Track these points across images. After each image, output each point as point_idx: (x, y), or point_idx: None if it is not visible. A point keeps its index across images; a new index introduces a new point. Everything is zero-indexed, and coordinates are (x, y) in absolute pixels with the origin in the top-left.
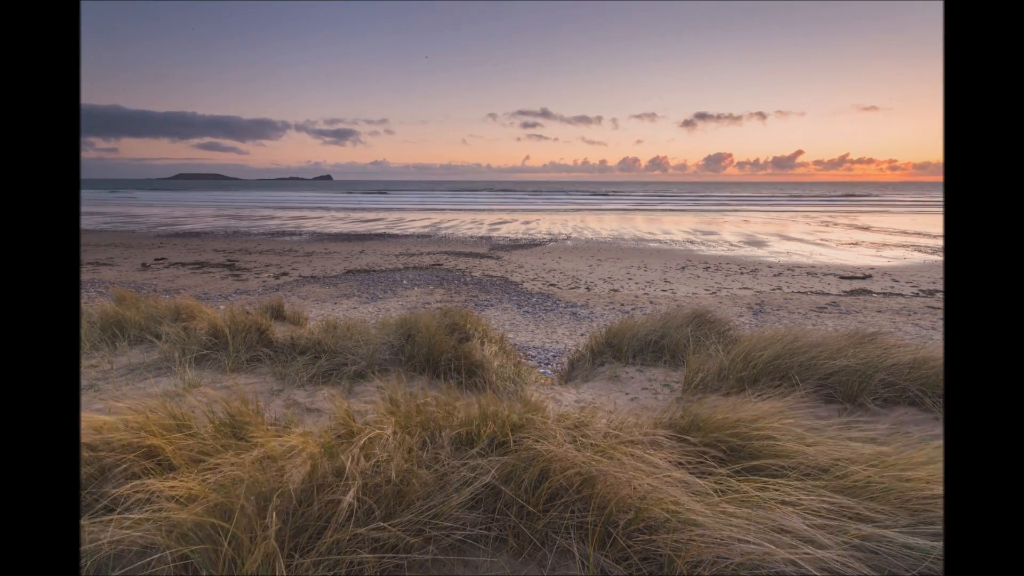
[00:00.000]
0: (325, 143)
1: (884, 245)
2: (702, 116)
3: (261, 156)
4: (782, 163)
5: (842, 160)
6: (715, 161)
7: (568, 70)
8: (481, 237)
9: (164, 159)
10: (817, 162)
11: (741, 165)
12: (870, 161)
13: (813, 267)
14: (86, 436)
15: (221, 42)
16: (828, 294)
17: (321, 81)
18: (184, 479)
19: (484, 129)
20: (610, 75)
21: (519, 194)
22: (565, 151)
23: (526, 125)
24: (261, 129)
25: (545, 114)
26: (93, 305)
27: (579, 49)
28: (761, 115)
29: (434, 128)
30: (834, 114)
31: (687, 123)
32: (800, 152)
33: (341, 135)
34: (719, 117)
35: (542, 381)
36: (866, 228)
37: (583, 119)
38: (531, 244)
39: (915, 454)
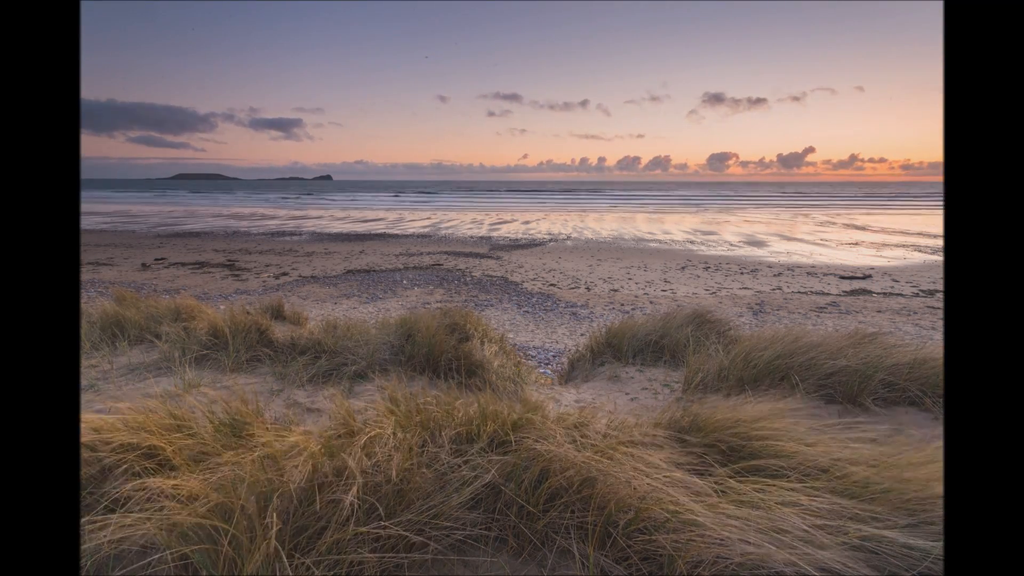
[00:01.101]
0: (273, 138)
1: (884, 245)
2: (716, 99)
3: (222, 152)
4: (789, 161)
5: (852, 159)
6: (719, 160)
7: (541, 39)
8: (481, 237)
9: (119, 158)
10: (826, 161)
11: (745, 164)
12: (881, 160)
13: (813, 267)
14: (86, 436)
15: (104, 20)
16: (828, 294)
17: (227, 64)
18: (184, 479)
19: (438, 116)
20: (589, 46)
21: (510, 194)
22: (558, 148)
23: (492, 114)
24: (187, 120)
25: (514, 98)
26: (93, 305)
27: (550, 16)
28: (795, 98)
29: (379, 117)
30: (897, 93)
31: (693, 113)
32: (811, 149)
33: (283, 125)
34: (737, 101)
35: (542, 381)
36: (865, 228)
37: (566, 106)
38: (531, 244)
39: (915, 454)
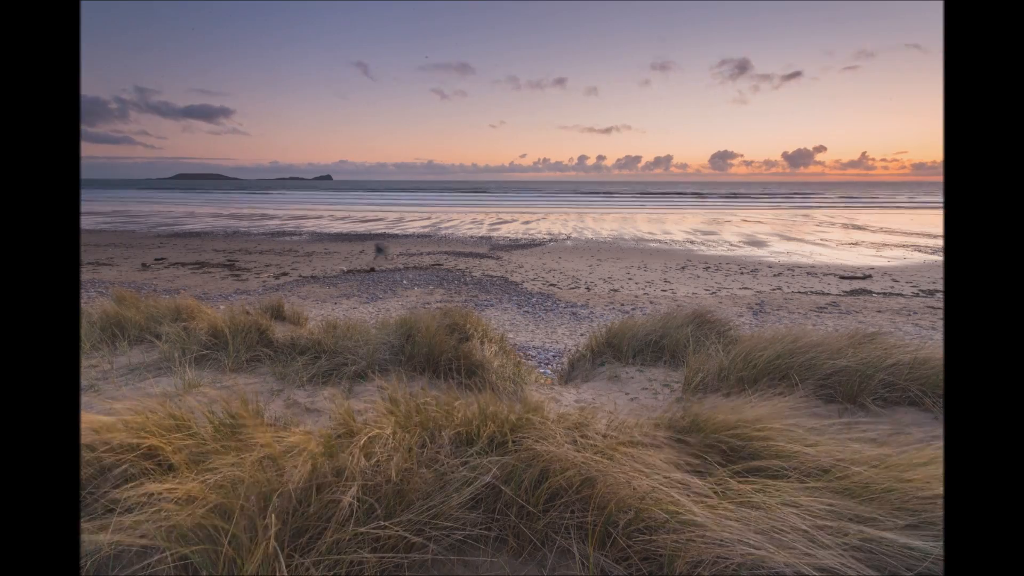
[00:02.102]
0: (213, 131)
1: (884, 245)
2: (740, 68)
3: (177, 148)
4: (796, 160)
5: (863, 158)
6: (721, 159)
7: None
8: (481, 237)
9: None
10: (835, 160)
11: (749, 163)
12: (893, 160)
13: (813, 267)
14: (86, 437)
15: None
16: (828, 294)
17: (104, 37)
18: (184, 480)
19: (365, 94)
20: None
21: (510, 194)
22: (550, 144)
23: (444, 96)
24: (95, 108)
25: (465, 70)
26: (93, 305)
27: None
28: (849, 68)
29: (315, 101)
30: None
31: (704, 94)
32: (822, 148)
33: (207, 114)
34: (765, 76)
35: (542, 381)
36: (865, 228)
37: (537, 84)
38: (531, 244)
39: (915, 454)
